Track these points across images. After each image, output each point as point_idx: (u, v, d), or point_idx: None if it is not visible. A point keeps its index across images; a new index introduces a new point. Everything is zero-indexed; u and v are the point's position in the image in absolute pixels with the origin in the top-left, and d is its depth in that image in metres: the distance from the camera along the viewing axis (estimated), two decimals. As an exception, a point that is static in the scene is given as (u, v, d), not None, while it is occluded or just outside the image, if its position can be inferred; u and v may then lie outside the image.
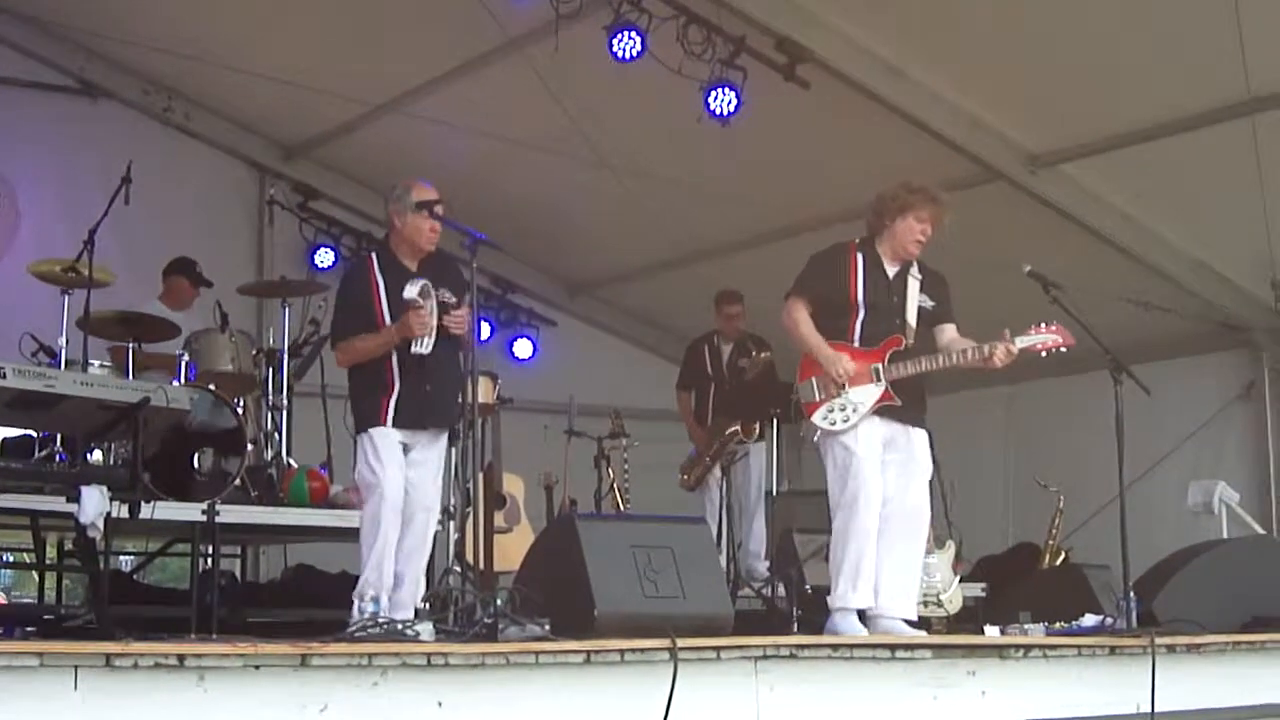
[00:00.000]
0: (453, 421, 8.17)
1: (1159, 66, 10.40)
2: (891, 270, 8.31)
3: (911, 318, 8.28)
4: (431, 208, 7.98)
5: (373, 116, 13.22)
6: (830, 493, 8.16)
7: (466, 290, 8.14)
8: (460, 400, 8.23)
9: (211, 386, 9.85)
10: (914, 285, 8.32)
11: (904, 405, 8.16)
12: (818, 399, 8.14)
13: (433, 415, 8.06)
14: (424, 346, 7.96)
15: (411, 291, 7.95)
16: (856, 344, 8.18)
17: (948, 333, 8.42)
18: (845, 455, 8.07)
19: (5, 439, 9.67)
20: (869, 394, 8.10)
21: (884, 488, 8.10)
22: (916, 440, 8.26)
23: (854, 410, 8.07)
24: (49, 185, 12.92)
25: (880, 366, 8.13)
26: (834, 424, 8.08)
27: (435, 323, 7.96)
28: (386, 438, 7.99)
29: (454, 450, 8.21)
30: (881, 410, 8.12)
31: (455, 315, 8.00)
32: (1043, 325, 8.30)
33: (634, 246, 14.51)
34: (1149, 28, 10.14)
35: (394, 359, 8.01)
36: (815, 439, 8.22)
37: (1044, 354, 8.32)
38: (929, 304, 8.35)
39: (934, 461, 10.13)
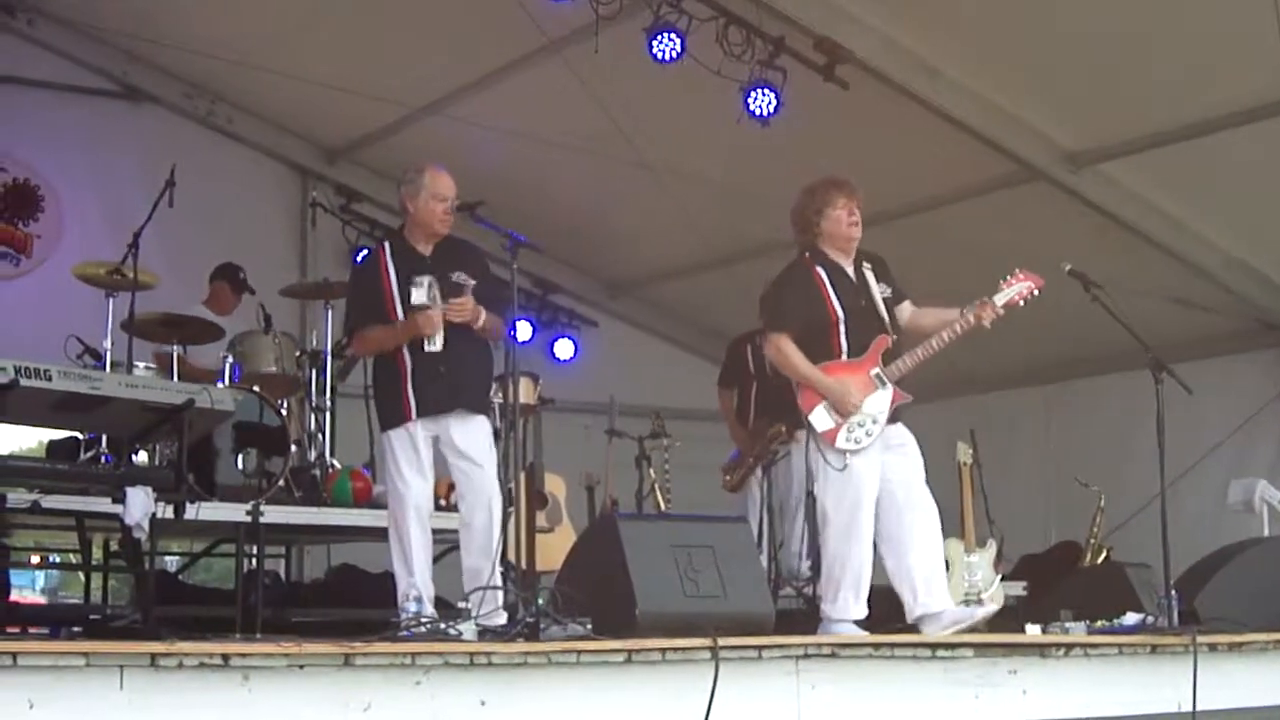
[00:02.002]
0: (480, 403, 8.21)
1: (1199, 64, 10.37)
2: (849, 270, 8.32)
3: (884, 314, 8.28)
4: (473, 210, 8.00)
5: (414, 119, 13.27)
6: (825, 505, 8.11)
7: (483, 272, 8.18)
8: (488, 384, 8.29)
9: (255, 388, 9.91)
10: (871, 278, 8.33)
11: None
12: (834, 424, 8.10)
13: (455, 396, 8.06)
14: (434, 345, 8.00)
15: (419, 297, 7.98)
16: (845, 356, 8.16)
17: (908, 309, 8.44)
18: (843, 475, 8.05)
19: (51, 441, 9.75)
20: (882, 401, 8.10)
21: (891, 482, 8.11)
22: (903, 430, 8.27)
23: (874, 422, 8.06)
24: (92, 189, 13.01)
25: (879, 371, 8.12)
26: (859, 441, 8.05)
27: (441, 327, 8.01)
28: (404, 440, 8.05)
29: (497, 449, 8.25)
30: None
31: (455, 303, 8.00)
32: (1009, 278, 8.36)
33: (674, 247, 14.52)
34: (1188, 26, 10.11)
35: (406, 352, 8.06)
36: (847, 463, 8.10)
37: (1022, 303, 8.35)
38: (887, 292, 8.36)
39: (975, 461, 10.17)
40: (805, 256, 8.36)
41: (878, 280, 8.35)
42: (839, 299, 8.19)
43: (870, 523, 8.02)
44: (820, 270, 8.26)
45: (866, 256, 8.41)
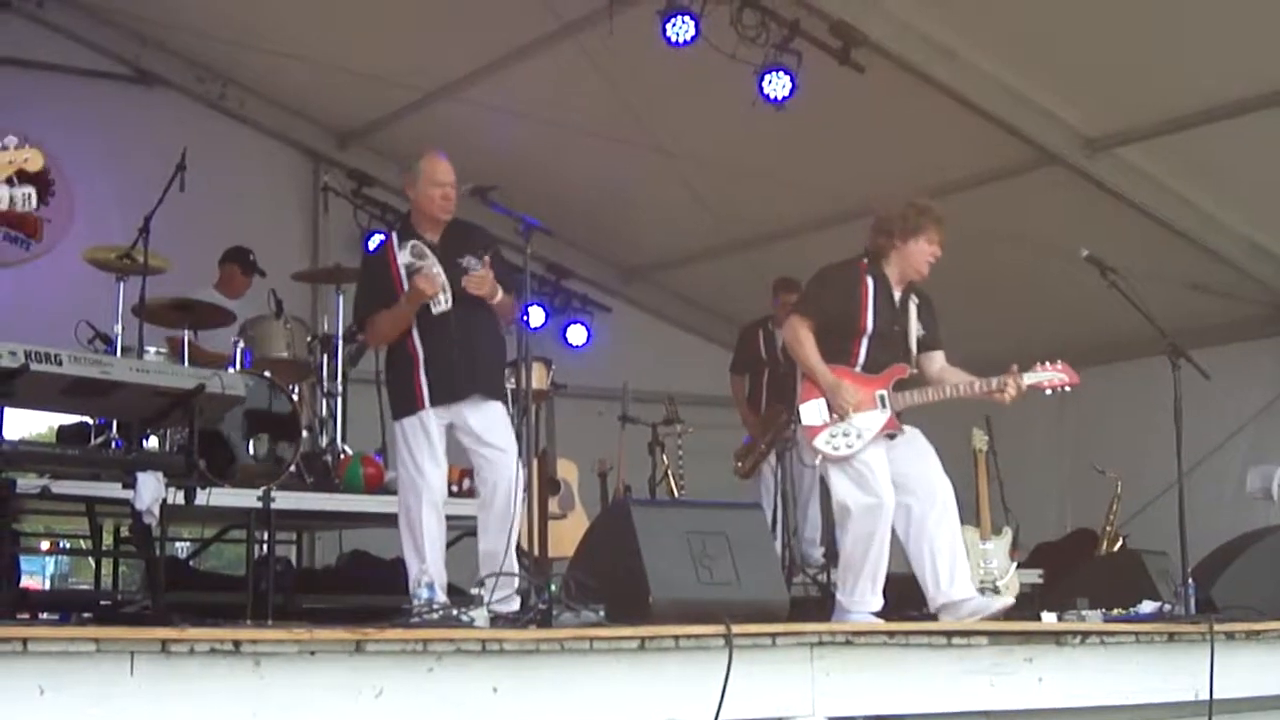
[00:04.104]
0: (495, 388, 8.17)
1: (1216, 49, 10.31)
2: (897, 294, 8.29)
3: (913, 345, 8.28)
4: (485, 194, 7.96)
5: (426, 102, 13.22)
6: (841, 499, 8.06)
7: (492, 251, 8.14)
8: (503, 369, 8.25)
9: (267, 373, 9.88)
10: (913, 311, 8.32)
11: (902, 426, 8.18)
12: (821, 422, 8.08)
13: (469, 382, 8.03)
14: (443, 304, 7.97)
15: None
16: (859, 369, 8.14)
17: (937, 360, 8.41)
18: (857, 469, 8.02)
19: (62, 426, 9.74)
20: (874, 420, 8.06)
21: (906, 475, 8.08)
22: (912, 431, 8.23)
23: (858, 436, 8.01)
24: (103, 173, 12.98)
25: (886, 394, 8.10)
26: (837, 449, 8.02)
27: (444, 279, 7.97)
28: (417, 429, 8.00)
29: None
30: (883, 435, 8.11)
31: (472, 276, 7.96)
32: (1047, 364, 8.31)
33: (688, 232, 14.49)
34: (1207, 9, 10.06)
35: (415, 329, 8.03)
36: (817, 462, 8.17)
37: (1049, 391, 8.33)
38: (922, 332, 8.34)
39: (991, 448, 10.12)
40: (862, 263, 8.31)
41: (918, 317, 8.33)
42: (874, 315, 8.18)
43: (888, 516, 7.97)
44: (870, 281, 8.23)
45: (917, 292, 8.39)
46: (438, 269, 7.99)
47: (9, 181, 6.10)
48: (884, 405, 8.07)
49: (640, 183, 13.74)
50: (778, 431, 11.17)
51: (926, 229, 8.22)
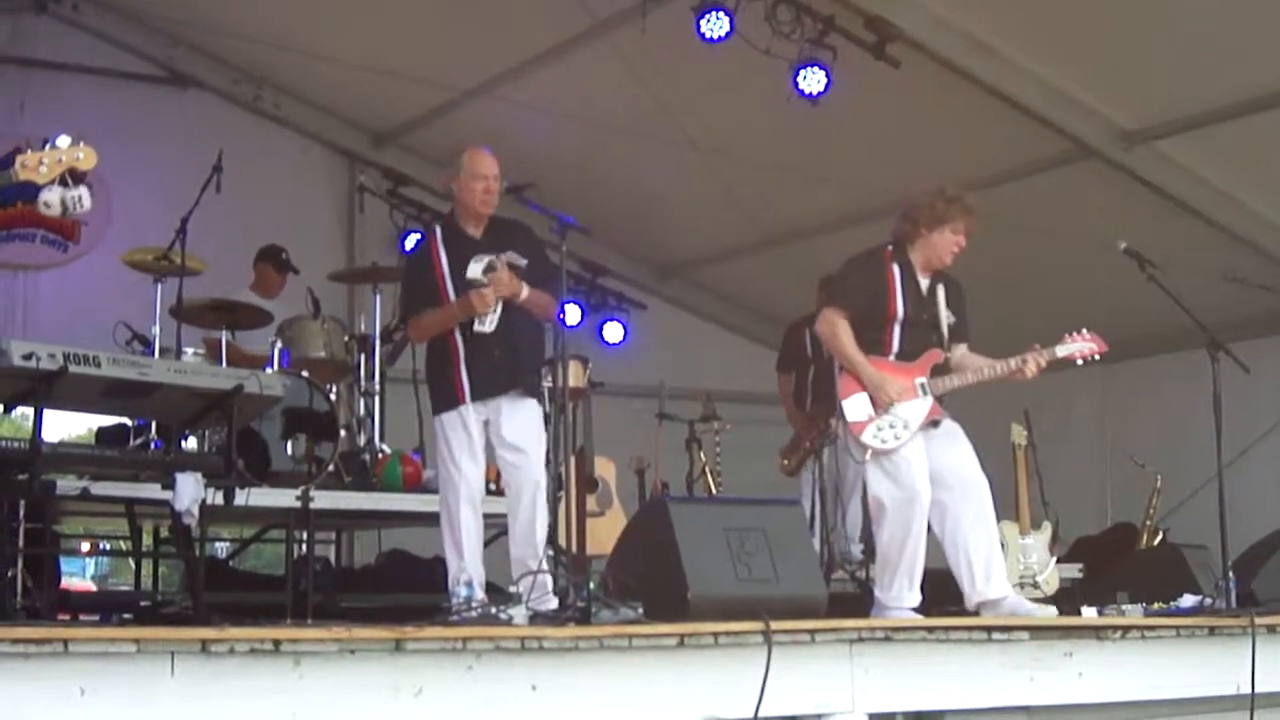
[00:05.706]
0: (534, 385, 8.17)
1: (1255, 40, 10.25)
2: (924, 281, 8.23)
3: (944, 331, 8.23)
4: (520, 192, 7.96)
5: (461, 102, 13.24)
6: (877, 494, 8.01)
7: (536, 251, 8.16)
8: (541, 368, 8.26)
9: (304, 373, 9.90)
10: (941, 299, 8.26)
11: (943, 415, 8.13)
12: (866, 417, 8.02)
13: (509, 379, 8.05)
14: (486, 325, 7.98)
15: (475, 271, 7.98)
16: (894, 358, 8.09)
17: (960, 349, 8.34)
18: (894, 462, 7.98)
19: (101, 427, 9.78)
20: (918, 409, 8.01)
21: (942, 469, 8.03)
22: (951, 425, 8.19)
23: (905, 427, 7.95)
24: (139, 175, 12.99)
25: (925, 381, 8.06)
26: (885, 442, 7.95)
27: (499, 309, 7.98)
28: (457, 424, 8.02)
29: (546, 433, 8.21)
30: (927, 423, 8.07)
31: (492, 277, 7.97)
32: (1074, 334, 8.27)
33: (724, 229, 14.46)
34: (1243, 1, 10.01)
35: (458, 333, 8.04)
36: (866, 458, 8.08)
37: (1080, 361, 8.29)
38: (952, 319, 8.28)
39: (1030, 443, 10.08)
40: (887, 250, 8.27)
41: (948, 304, 8.27)
42: (903, 300, 8.13)
43: (924, 511, 7.93)
44: (895, 268, 8.19)
45: (945, 279, 8.33)
46: (493, 297, 7.99)
47: (62, 182, 6.10)
48: (925, 392, 8.04)
49: (675, 180, 13.73)
50: (823, 430, 11.14)
51: (953, 218, 8.16)
